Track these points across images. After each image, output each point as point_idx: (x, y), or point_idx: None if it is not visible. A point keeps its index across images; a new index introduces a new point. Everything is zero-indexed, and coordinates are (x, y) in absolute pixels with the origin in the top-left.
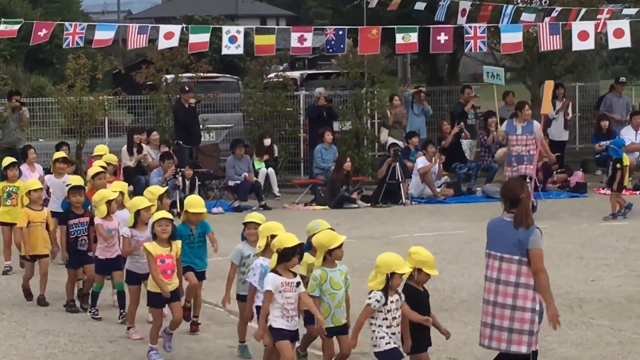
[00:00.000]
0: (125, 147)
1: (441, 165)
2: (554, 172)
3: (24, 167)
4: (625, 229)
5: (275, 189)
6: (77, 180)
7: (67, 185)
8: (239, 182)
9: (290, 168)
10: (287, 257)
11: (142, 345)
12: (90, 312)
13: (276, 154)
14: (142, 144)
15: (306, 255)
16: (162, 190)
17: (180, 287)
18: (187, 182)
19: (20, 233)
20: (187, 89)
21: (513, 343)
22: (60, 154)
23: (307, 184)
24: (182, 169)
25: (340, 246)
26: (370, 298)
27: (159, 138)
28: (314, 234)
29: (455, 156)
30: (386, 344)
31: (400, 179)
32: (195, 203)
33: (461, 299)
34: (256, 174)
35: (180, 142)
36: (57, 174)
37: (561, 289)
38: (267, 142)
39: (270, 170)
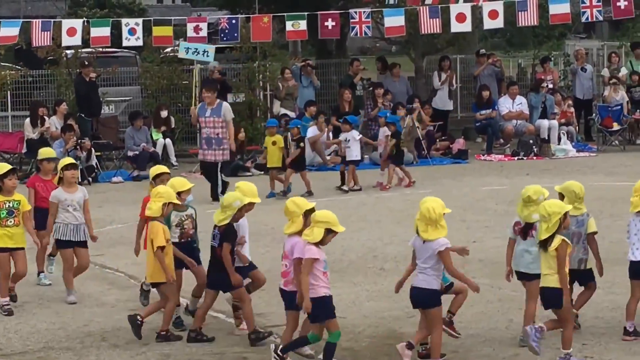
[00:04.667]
0: (28, 120)
1: (330, 134)
2: (437, 140)
3: None
4: (504, 193)
5: (173, 159)
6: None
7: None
8: (137, 152)
9: (186, 138)
10: None
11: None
12: None
13: (173, 125)
14: (44, 116)
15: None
16: (310, 205)
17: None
18: (84, 154)
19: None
20: (87, 63)
21: None
22: None
23: None
24: (83, 140)
25: None
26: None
27: (67, 109)
28: None
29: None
30: None
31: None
32: None
33: (350, 261)
34: (154, 144)
35: (82, 115)
36: None
37: None
38: (164, 113)
39: (168, 140)
